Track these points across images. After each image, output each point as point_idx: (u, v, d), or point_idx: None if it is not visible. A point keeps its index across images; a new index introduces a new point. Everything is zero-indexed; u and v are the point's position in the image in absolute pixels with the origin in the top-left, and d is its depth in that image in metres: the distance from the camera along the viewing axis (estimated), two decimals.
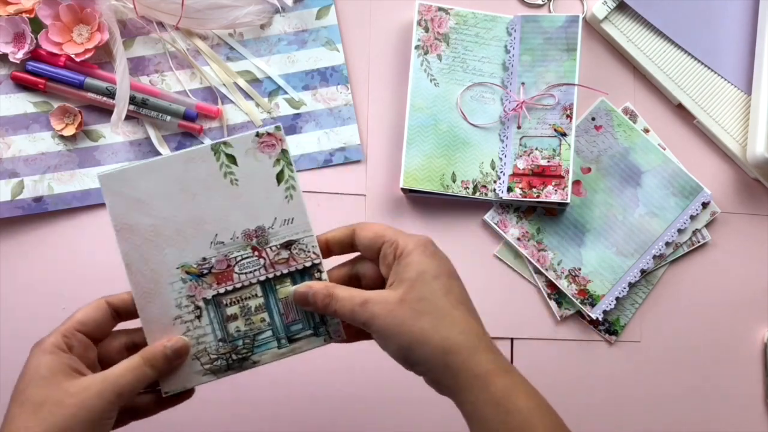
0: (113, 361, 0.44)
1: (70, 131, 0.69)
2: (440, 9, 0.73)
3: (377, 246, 0.45)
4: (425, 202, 0.73)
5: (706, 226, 0.74)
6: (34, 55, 0.69)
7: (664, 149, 0.74)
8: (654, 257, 0.72)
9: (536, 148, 0.71)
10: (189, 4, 0.69)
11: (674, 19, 0.74)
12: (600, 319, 0.72)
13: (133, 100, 0.69)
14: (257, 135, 0.46)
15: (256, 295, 0.47)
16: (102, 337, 0.46)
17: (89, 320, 0.45)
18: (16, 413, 0.41)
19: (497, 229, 0.72)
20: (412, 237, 0.45)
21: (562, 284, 0.72)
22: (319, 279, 0.47)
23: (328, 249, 0.48)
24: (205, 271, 0.46)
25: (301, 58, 0.73)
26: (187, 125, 0.70)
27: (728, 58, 0.75)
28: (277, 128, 0.46)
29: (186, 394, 0.47)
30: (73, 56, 0.69)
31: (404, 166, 0.70)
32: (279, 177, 0.46)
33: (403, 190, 0.71)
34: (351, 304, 0.43)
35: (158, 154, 0.70)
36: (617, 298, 0.72)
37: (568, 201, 0.69)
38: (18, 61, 0.69)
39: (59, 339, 0.43)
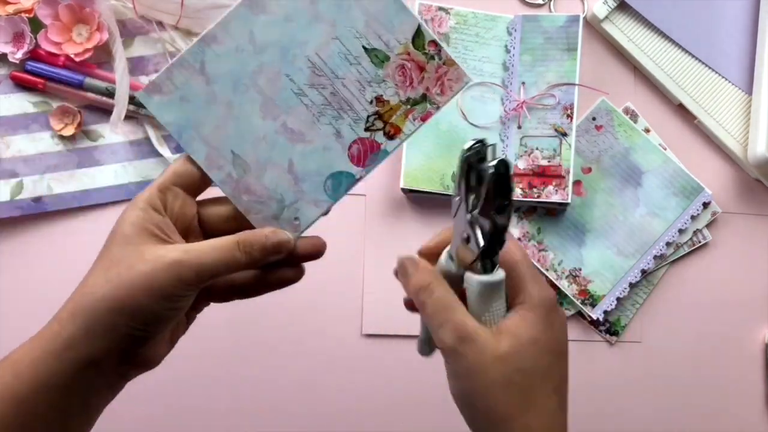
0: (215, 230, 0.41)
1: (69, 131, 0.69)
2: (440, 9, 0.73)
3: (507, 275, 0.40)
4: (425, 202, 0.73)
5: (707, 226, 0.74)
6: (34, 54, 0.69)
7: (665, 149, 0.74)
8: (655, 257, 0.72)
9: (537, 148, 0.71)
10: (189, 4, 0.69)
11: (675, 19, 0.74)
12: (600, 319, 0.72)
13: (132, 100, 0.69)
14: None
15: None
16: (203, 189, 0.42)
17: (186, 170, 0.41)
18: (93, 266, 0.38)
19: None
20: (540, 290, 0.39)
21: (563, 284, 0.72)
22: None
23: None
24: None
25: None
26: None
27: (729, 57, 0.74)
28: None
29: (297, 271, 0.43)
30: (72, 56, 0.68)
31: (404, 166, 0.70)
32: None
33: (403, 190, 0.71)
34: (443, 318, 0.38)
35: (158, 154, 0.70)
36: (618, 299, 0.72)
37: (569, 201, 0.69)
38: (17, 61, 0.68)
39: (154, 194, 0.39)
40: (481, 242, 0.37)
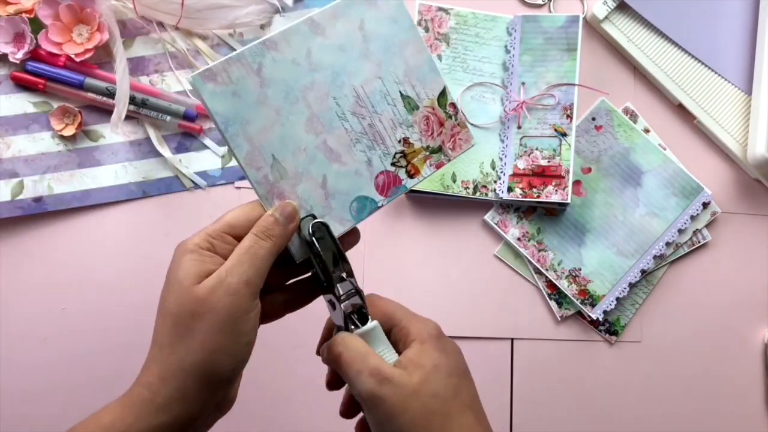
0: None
1: (70, 131, 0.69)
2: (440, 9, 0.73)
3: (386, 327, 0.43)
4: (425, 202, 0.73)
5: (707, 226, 0.74)
6: (34, 55, 0.69)
7: (665, 149, 0.74)
8: (654, 257, 0.72)
9: (536, 148, 0.71)
10: (189, 4, 0.69)
11: (674, 19, 0.74)
12: (600, 319, 0.72)
13: (133, 100, 0.69)
14: None
15: None
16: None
17: (240, 222, 0.41)
18: (161, 323, 0.39)
19: (497, 229, 0.72)
20: (424, 325, 0.43)
21: (563, 284, 0.72)
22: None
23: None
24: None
25: None
26: (187, 125, 0.70)
27: (728, 58, 0.74)
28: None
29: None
30: (72, 56, 0.69)
31: None
32: None
33: None
34: (359, 366, 0.40)
35: (158, 154, 0.70)
36: (617, 299, 0.72)
37: (569, 201, 0.69)
38: (18, 61, 0.68)
39: (203, 239, 0.40)
40: (340, 309, 0.43)
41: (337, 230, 0.44)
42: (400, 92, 0.45)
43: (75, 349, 0.68)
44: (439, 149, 0.47)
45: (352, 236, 0.46)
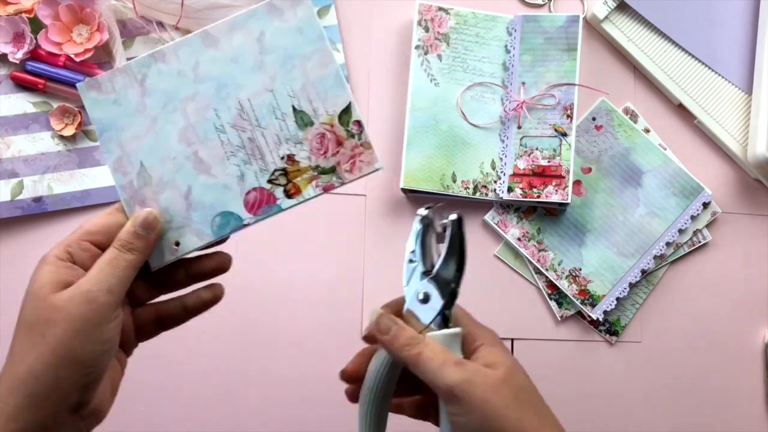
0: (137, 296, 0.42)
1: (69, 131, 0.69)
2: (440, 9, 0.73)
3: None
4: (425, 202, 0.73)
5: (707, 226, 0.74)
6: (34, 55, 0.69)
7: (665, 149, 0.74)
8: (655, 257, 0.72)
9: (537, 148, 0.71)
10: (189, 4, 0.69)
11: (675, 19, 0.74)
12: (600, 319, 0.72)
13: None
14: None
15: None
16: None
17: (99, 228, 0.41)
18: (15, 334, 0.39)
19: (497, 229, 0.72)
20: (488, 331, 0.43)
21: (563, 284, 0.72)
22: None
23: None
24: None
25: None
26: None
27: (729, 57, 0.74)
28: None
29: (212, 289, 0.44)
30: (72, 56, 0.68)
31: (404, 166, 0.70)
32: None
33: (403, 190, 0.71)
34: (443, 358, 0.39)
35: None
36: (618, 299, 0.72)
37: (569, 201, 0.69)
38: (17, 61, 0.68)
39: (62, 249, 0.40)
40: (440, 299, 0.42)
41: (195, 243, 0.43)
42: (293, 106, 0.43)
43: None
44: (333, 170, 0.44)
45: (213, 259, 0.44)
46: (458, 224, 0.42)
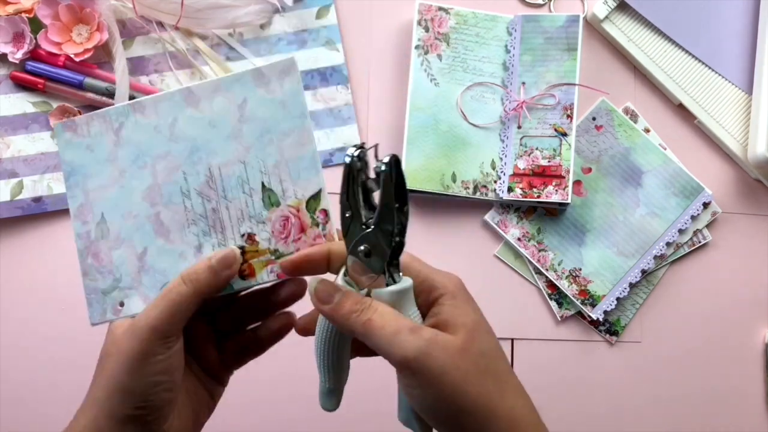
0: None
1: None
2: (440, 9, 0.73)
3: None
4: (425, 202, 0.73)
5: (707, 226, 0.74)
6: (34, 55, 0.69)
7: (665, 149, 0.74)
8: (655, 257, 0.72)
9: (537, 148, 0.71)
10: (189, 4, 0.69)
11: (675, 19, 0.74)
12: (600, 319, 0.72)
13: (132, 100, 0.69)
14: None
15: None
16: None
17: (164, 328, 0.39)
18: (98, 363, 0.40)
19: (498, 229, 0.72)
20: (448, 278, 0.39)
21: (563, 284, 0.72)
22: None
23: (330, 263, 0.40)
24: None
25: (301, 58, 0.73)
26: None
27: (729, 57, 0.74)
28: None
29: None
30: (72, 56, 0.68)
31: (404, 166, 0.70)
32: None
33: None
34: (396, 325, 0.35)
35: None
36: (618, 299, 0.72)
37: (569, 201, 0.69)
38: (17, 61, 0.68)
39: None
40: (386, 250, 0.36)
41: (139, 307, 0.41)
42: (263, 183, 0.41)
43: (75, 349, 0.68)
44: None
45: (287, 287, 0.42)
46: (394, 165, 0.35)
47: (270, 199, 0.41)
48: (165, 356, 0.38)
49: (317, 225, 0.41)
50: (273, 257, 0.41)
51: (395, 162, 0.36)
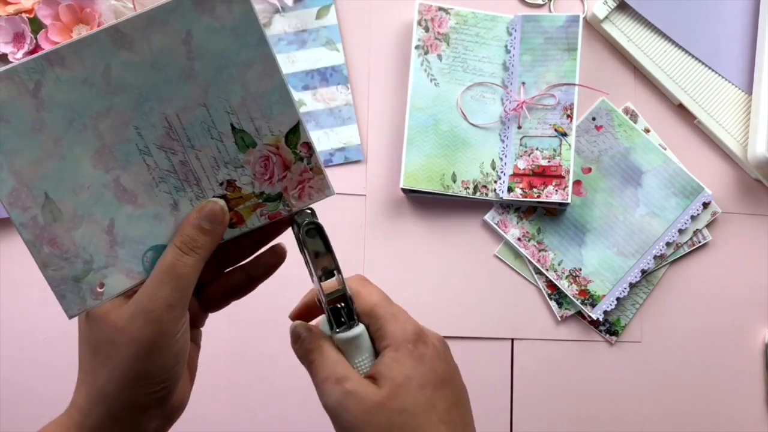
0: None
1: None
2: (440, 9, 0.73)
3: (366, 324, 0.40)
4: (425, 202, 0.73)
5: (707, 226, 0.74)
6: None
7: (665, 149, 0.74)
8: (655, 257, 0.72)
9: (537, 148, 0.71)
10: None
11: (675, 19, 0.74)
12: (600, 319, 0.72)
13: None
14: None
15: None
16: None
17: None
18: (80, 348, 0.38)
19: (498, 229, 0.72)
20: (402, 328, 0.38)
21: (563, 284, 0.72)
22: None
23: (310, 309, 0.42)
24: None
25: (301, 58, 0.73)
26: None
27: (729, 57, 0.74)
28: None
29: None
30: None
31: (404, 166, 0.70)
32: None
33: (403, 190, 0.71)
34: (327, 373, 0.37)
35: None
36: (618, 299, 0.72)
37: (569, 201, 0.69)
38: (17, 61, 0.68)
39: None
40: (326, 309, 0.38)
41: (123, 284, 0.37)
42: (232, 125, 0.37)
43: (75, 349, 0.68)
44: (279, 197, 0.39)
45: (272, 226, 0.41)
46: (311, 233, 0.38)
47: (244, 140, 0.37)
48: (182, 332, 0.37)
49: (301, 160, 0.38)
50: (260, 200, 0.38)
51: (314, 225, 0.38)
